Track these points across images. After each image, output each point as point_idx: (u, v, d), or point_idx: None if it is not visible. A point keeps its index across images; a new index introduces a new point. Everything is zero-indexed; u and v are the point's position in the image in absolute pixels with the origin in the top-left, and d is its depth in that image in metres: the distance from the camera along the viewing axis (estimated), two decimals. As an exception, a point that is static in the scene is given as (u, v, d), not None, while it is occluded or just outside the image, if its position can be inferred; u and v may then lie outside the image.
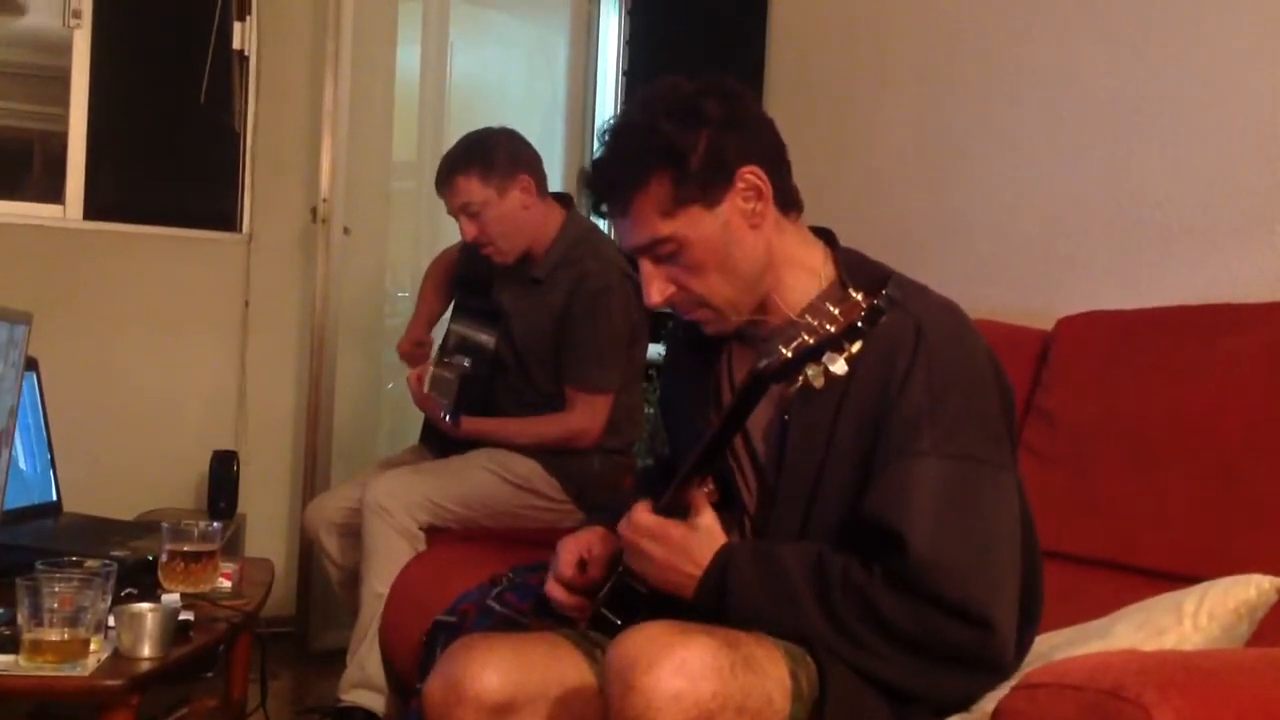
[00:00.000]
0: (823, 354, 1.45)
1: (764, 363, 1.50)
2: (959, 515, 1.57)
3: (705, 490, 1.69)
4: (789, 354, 1.47)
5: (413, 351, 3.41)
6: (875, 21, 3.49)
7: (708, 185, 1.67)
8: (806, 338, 1.46)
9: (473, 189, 3.09)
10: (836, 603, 1.57)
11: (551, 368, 3.15)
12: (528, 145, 3.23)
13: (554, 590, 1.88)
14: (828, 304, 1.47)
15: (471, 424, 3.14)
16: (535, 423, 3.16)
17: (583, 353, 3.10)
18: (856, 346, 1.45)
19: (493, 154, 3.13)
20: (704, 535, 1.66)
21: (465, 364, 3.16)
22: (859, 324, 1.44)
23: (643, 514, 1.69)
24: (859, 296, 1.45)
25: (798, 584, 1.59)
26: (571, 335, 3.10)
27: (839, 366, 1.45)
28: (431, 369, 3.14)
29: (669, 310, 1.80)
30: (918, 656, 1.55)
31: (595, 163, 1.76)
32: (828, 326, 1.45)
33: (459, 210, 3.13)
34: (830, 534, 1.66)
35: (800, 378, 1.47)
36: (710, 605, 1.63)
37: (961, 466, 1.59)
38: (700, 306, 1.75)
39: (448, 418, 3.12)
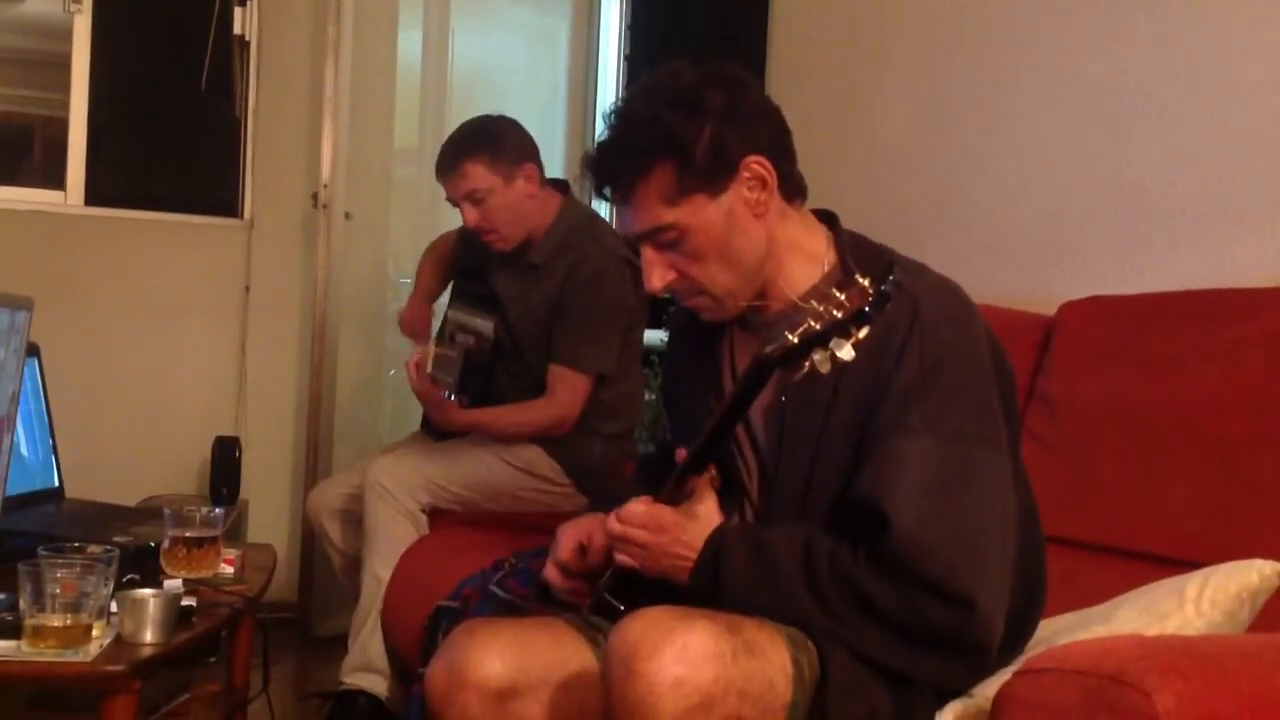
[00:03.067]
0: (829, 340, 1.44)
1: (769, 348, 1.49)
2: (947, 494, 1.56)
3: (708, 476, 1.69)
4: (795, 340, 1.46)
5: (415, 321, 3.39)
6: (877, 5, 3.48)
7: (712, 175, 1.67)
8: (813, 323, 1.45)
9: (480, 175, 3.07)
10: (825, 587, 1.57)
11: (546, 353, 3.14)
12: (528, 134, 3.22)
13: (552, 575, 1.88)
14: (834, 289, 1.45)
15: (458, 414, 3.13)
16: (514, 411, 3.15)
17: (573, 333, 3.09)
18: (864, 332, 1.44)
19: (501, 141, 3.12)
20: (700, 523, 1.66)
21: (470, 341, 3.15)
22: (866, 309, 1.43)
23: (634, 503, 1.69)
24: (865, 282, 1.44)
25: (788, 570, 1.59)
26: (564, 317, 3.09)
27: (846, 352, 1.44)
28: (433, 350, 3.13)
29: (671, 296, 1.79)
30: (900, 636, 1.55)
31: (599, 147, 1.75)
32: (834, 312, 1.44)
33: (464, 197, 3.09)
34: (826, 515, 1.65)
35: (806, 364, 1.47)
36: (704, 592, 1.63)
37: (952, 445, 1.58)
38: (699, 294, 1.75)
39: (452, 396, 3.10)
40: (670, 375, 2.06)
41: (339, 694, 3.05)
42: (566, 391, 3.09)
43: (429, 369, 3.08)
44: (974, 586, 1.54)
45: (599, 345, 3.11)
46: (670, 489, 1.68)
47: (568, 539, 1.89)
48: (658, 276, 1.73)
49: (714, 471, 1.71)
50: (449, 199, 3.16)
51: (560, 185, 3.28)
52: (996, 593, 1.57)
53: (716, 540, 1.64)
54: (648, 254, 1.73)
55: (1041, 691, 1.34)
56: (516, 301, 3.19)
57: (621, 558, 1.71)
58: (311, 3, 4.19)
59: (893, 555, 1.53)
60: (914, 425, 1.58)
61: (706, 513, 1.67)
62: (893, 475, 1.56)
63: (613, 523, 1.71)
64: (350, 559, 3.22)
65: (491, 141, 3.11)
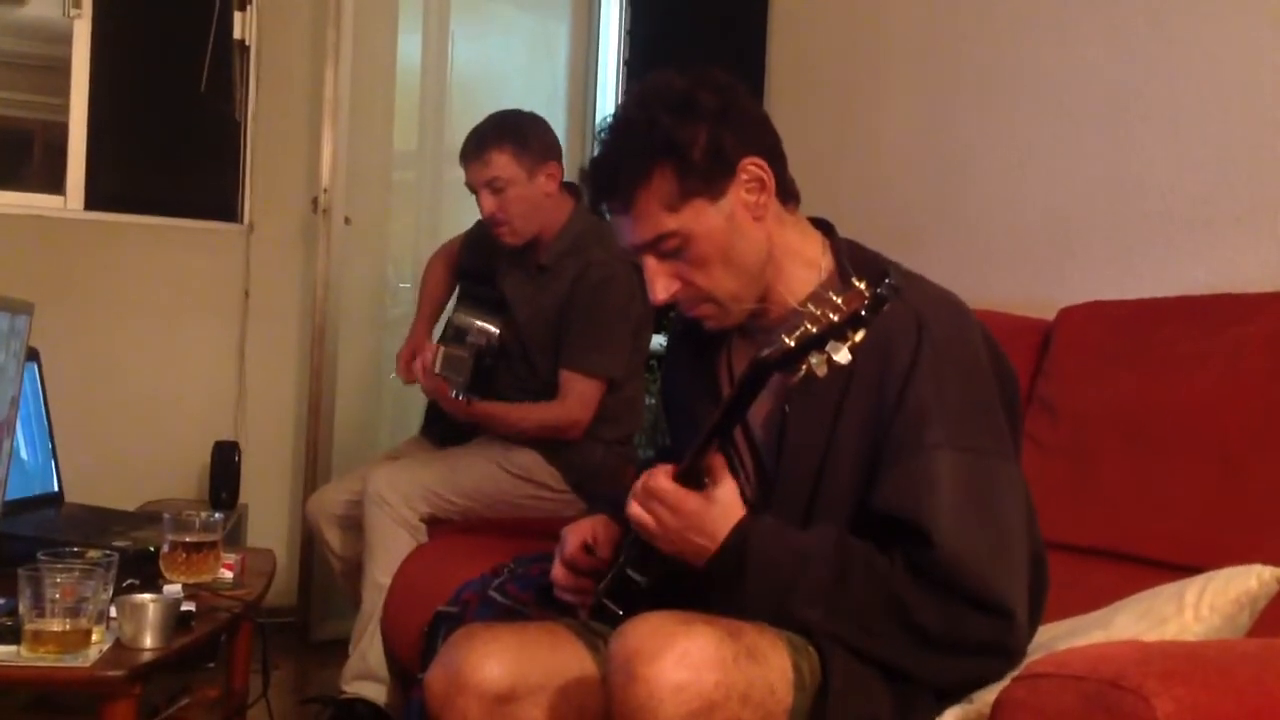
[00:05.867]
0: (826, 342, 1.45)
1: (766, 351, 1.49)
2: (976, 507, 1.58)
3: (723, 459, 1.67)
4: (792, 342, 1.46)
5: (409, 367, 3.25)
6: (876, 11, 3.49)
7: (711, 177, 1.67)
8: (809, 326, 1.45)
9: (504, 164, 3.08)
10: (856, 588, 1.57)
11: (553, 356, 3.14)
12: (555, 135, 3.23)
13: (559, 573, 1.88)
14: (830, 293, 1.46)
15: (474, 405, 3.11)
16: (529, 408, 3.14)
17: (582, 338, 3.09)
18: (860, 335, 1.44)
19: (528, 135, 3.13)
20: (720, 509, 1.64)
21: (481, 342, 3.14)
22: (863, 312, 1.44)
23: (661, 479, 1.65)
24: (862, 285, 1.44)
25: (820, 574, 1.58)
26: (573, 321, 3.10)
27: (842, 355, 1.45)
28: (442, 349, 3.11)
29: (674, 306, 1.79)
30: (937, 647, 1.56)
31: (595, 160, 1.76)
32: (831, 315, 1.44)
33: (484, 184, 3.10)
34: (834, 525, 1.65)
35: (803, 366, 1.47)
36: (725, 579, 1.62)
37: (974, 459, 1.60)
38: (704, 302, 1.75)
39: (459, 396, 3.09)
40: (669, 381, 2.06)
41: (339, 701, 3.05)
42: (578, 396, 3.09)
43: (437, 368, 3.06)
44: (1010, 597, 1.56)
45: (608, 350, 3.11)
46: (685, 470, 1.65)
47: (573, 538, 1.89)
48: (662, 287, 1.73)
49: None
50: (468, 184, 3.15)
51: (573, 189, 3.27)
52: (1024, 600, 1.59)
53: (742, 534, 1.62)
54: (650, 264, 1.73)
55: (1040, 696, 1.34)
56: (526, 304, 3.19)
57: (641, 516, 1.67)
58: (311, 7, 4.19)
59: (934, 570, 1.54)
60: (937, 440, 1.58)
61: (726, 498, 1.64)
62: (925, 491, 1.57)
63: (638, 489, 1.68)
64: (350, 565, 3.21)
65: (519, 134, 3.12)
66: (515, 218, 3.13)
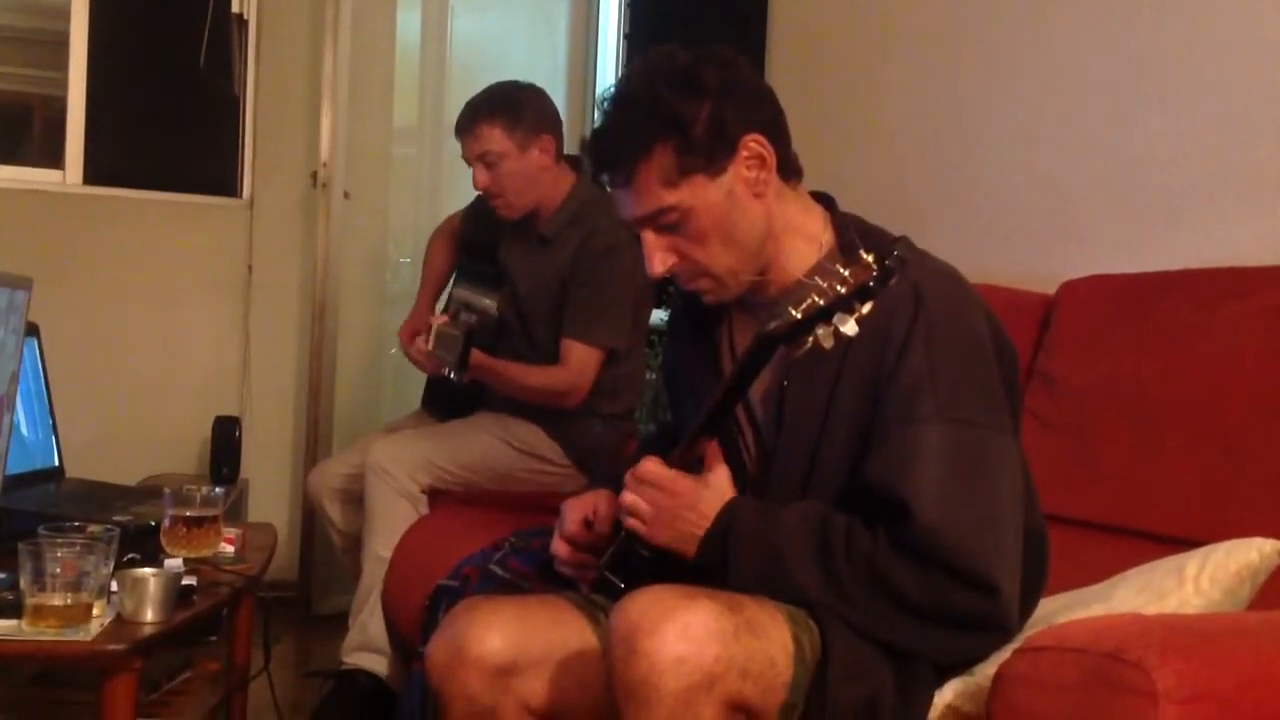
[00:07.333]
0: (833, 315, 1.44)
1: (773, 324, 1.49)
2: (963, 481, 1.57)
3: (717, 444, 1.68)
4: (798, 315, 1.46)
5: (412, 346, 3.21)
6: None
7: (712, 154, 1.67)
8: (816, 299, 1.45)
9: (495, 138, 3.06)
10: (840, 569, 1.57)
11: (554, 328, 3.12)
12: (553, 106, 3.20)
13: (559, 548, 1.88)
14: (837, 265, 1.45)
15: (477, 358, 3.06)
16: (529, 369, 3.12)
17: (584, 306, 3.07)
18: (867, 307, 1.44)
19: (521, 108, 3.11)
20: (713, 491, 1.66)
21: (472, 319, 3.12)
22: (870, 284, 1.43)
23: (651, 463, 1.68)
24: (869, 258, 1.44)
25: (799, 550, 1.59)
26: (575, 289, 3.08)
27: (849, 327, 1.44)
28: (435, 326, 3.11)
29: (672, 279, 1.79)
30: (923, 621, 1.56)
31: (595, 133, 1.76)
32: (838, 287, 1.44)
33: (476, 158, 3.09)
34: (831, 498, 1.66)
35: (809, 339, 1.47)
36: (712, 564, 1.63)
37: (964, 432, 1.59)
38: (702, 276, 1.74)
39: (451, 373, 3.08)
40: (670, 356, 2.05)
41: (340, 673, 3.06)
42: (577, 363, 3.07)
43: (430, 346, 3.06)
44: (997, 570, 1.55)
45: (610, 320, 3.09)
46: (680, 454, 1.68)
47: (574, 512, 1.89)
48: (659, 261, 1.73)
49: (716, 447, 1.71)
50: (463, 158, 3.15)
51: (575, 161, 3.26)
52: (1013, 574, 1.59)
53: (728, 514, 1.64)
54: (648, 238, 1.73)
55: (1041, 669, 1.35)
56: (527, 276, 3.18)
57: (632, 521, 1.70)
58: (310, -18, 4.18)
59: (916, 544, 1.54)
60: (925, 414, 1.58)
61: (719, 482, 1.67)
62: (909, 464, 1.57)
63: (629, 477, 1.70)
64: (351, 539, 3.22)
65: (511, 107, 3.10)
66: (509, 191, 3.12)
